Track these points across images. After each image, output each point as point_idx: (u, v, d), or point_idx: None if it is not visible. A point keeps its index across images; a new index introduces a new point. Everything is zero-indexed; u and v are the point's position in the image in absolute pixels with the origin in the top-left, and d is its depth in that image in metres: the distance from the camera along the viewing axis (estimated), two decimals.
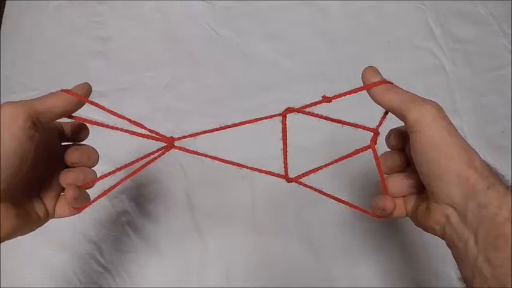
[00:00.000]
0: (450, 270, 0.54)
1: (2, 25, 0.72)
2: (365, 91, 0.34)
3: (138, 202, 0.59)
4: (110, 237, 0.57)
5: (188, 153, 0.37)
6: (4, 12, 0.73)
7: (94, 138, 0.39)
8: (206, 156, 0.37)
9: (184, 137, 0.36)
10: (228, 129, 0.36)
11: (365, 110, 0.36)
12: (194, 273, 0.55)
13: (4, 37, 0.71)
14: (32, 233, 0.35)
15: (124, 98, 0.66)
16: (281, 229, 0.57)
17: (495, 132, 0.64)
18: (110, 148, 0.57)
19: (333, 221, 0.57)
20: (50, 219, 0.36)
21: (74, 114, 0.34)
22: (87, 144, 0.38)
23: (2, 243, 0.32)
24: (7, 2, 0.74)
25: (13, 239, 0.33)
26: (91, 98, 0.35)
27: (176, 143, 0.36)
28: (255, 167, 0.38)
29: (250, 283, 0.54)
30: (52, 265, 0.55)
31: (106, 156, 0.57)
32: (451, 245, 0.31)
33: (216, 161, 0.37)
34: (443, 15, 0.73)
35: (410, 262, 0.56)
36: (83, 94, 0.34)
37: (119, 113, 0.34)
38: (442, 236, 0.32)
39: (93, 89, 0.35)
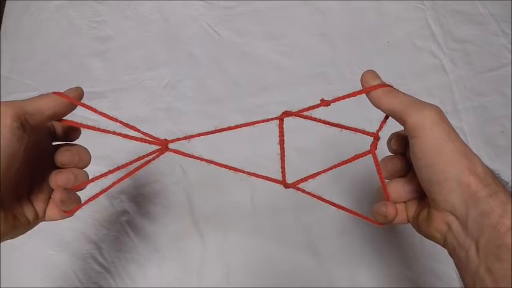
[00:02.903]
0: (450, 271, 0.54)
1: (2, 25, 0.72)
2: (364, 94, 0.33)
3: (138, 202, 0.59)
4: (109, 237, 0.57)
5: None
6: (4, 12, 0.73)
7: (89, 139, 0.38)
8: (202, 159, 0.36)
9: (178, 139, 0.35)
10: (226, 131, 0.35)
11: (365, 112, 0.36)
12: (194, 273, 0.55)
13: (4, 37, 0.71)
14: (33, 233, 0.34)
15: (124, 98, 0.66)
16: (280, 229, 0.57)
17: (495, 132, 0.64)
18: (104, 149, 0.57)
19: (333, 222, 0.57)
20: (41, 222, 0.35)
21: (70, 115, 0.33)
22: (79, 144, 0.37)
23: (2, 243, 0.32)
24: (7, 2, 0.74)
25: (13, 239, 0.33)
26: (91, 97, 0.35)
27: (172, 145, 0.35)
28: (254, 168, 0.37)
29: (250, 283, 0.54)
30: (52, 265, 0.54)
31: (101, 157, 0.57)
32: (452, 253, 0.30)
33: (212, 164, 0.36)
34: (443, 15, 0.73)
35: (410, 263, 0.55)
36: (74, 97, 0.33)
37: (119, 112, 0.34)
38: (444, 245, 0.31)
39: (93, 89, 0.35)
